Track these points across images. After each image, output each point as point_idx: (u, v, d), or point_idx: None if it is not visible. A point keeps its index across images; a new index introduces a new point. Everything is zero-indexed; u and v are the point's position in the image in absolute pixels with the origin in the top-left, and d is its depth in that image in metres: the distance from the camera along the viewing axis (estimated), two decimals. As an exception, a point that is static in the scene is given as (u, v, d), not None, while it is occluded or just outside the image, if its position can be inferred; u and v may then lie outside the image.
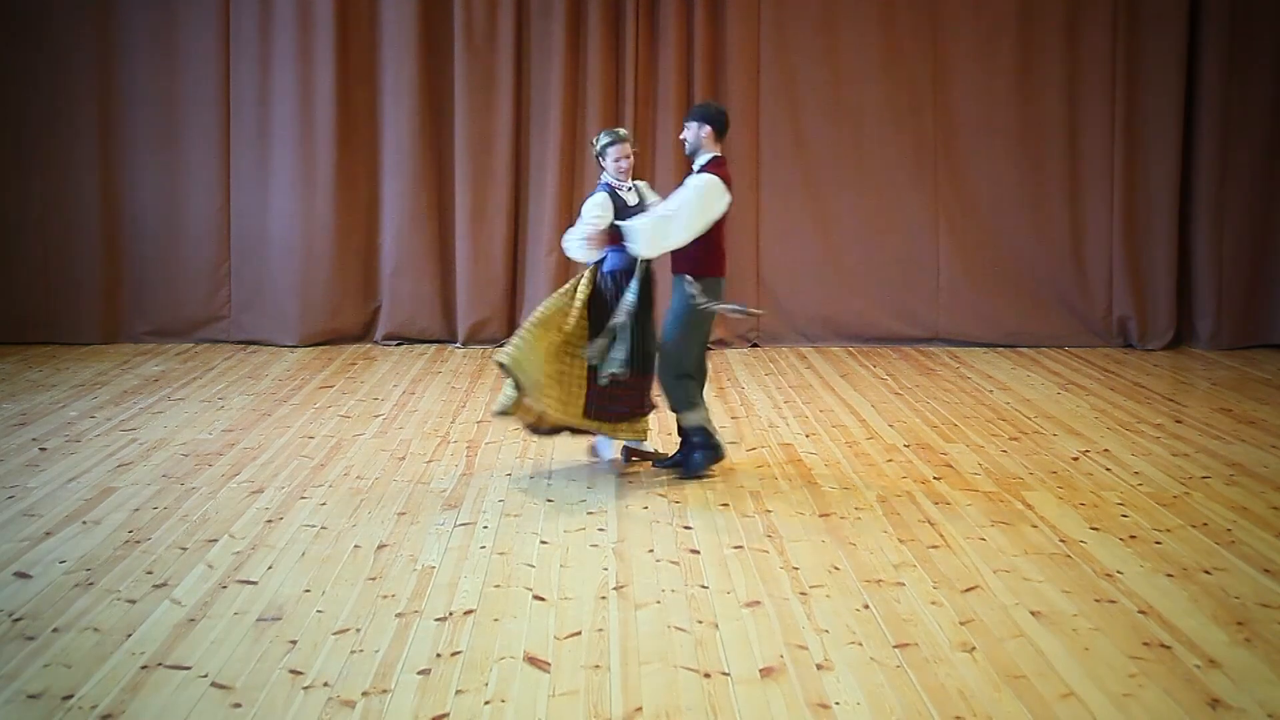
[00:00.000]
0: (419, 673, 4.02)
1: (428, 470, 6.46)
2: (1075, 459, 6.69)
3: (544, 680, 3.97)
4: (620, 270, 6.23)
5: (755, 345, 10.32)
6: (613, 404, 6.32)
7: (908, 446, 6.96)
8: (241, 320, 10.28)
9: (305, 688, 3.91)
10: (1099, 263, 10.28)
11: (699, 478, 6.27)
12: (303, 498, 5.94)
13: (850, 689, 3.90)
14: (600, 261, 6.26)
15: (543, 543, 5.30)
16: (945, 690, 3.90)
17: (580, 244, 6.18)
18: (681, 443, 6.41)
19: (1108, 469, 6.50)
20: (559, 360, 6.19)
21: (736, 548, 5.23)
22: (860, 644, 4.24)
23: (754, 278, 10.39)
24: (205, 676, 3.98)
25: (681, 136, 6.32)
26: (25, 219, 10.11)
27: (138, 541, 5.27)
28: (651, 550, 5.20)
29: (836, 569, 4.98)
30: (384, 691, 3.89)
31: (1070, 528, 5.51)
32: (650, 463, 6.54)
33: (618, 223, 6.12)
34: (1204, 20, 9.99)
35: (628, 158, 6.27)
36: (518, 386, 6.00)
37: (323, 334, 10.24)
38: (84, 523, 5.52)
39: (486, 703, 3.81)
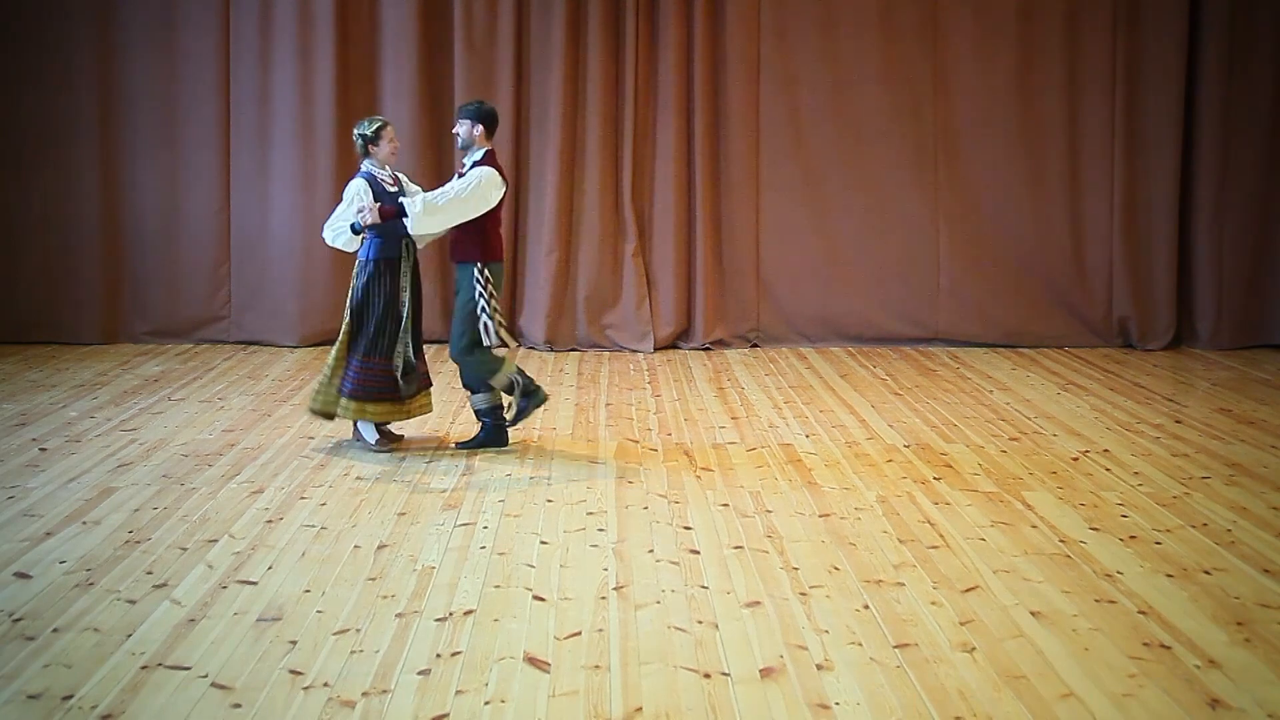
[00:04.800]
0: (419, 673, 4.02)
1: (428, 470, 6.46)
2: (1075, 459, 6.69)
3: (544, 680, 3.97)
4: (381, 258, 6.60)
5: (755, 345, 10.32)
6: (369, 384, 6.64)
7: (908, 446, 6.96)
8: (241, 320, 10.28)
9: (305, 688, 3.91)
10: (1099, 263, 10.28)
11: (481, 448, 6.80)
12: (303, 498, 5.94)
13: (850, 689, 3.90)
14: (360, 250, 6.66)
15: (543, 543, 5.30)
16: (945, 690, 3.90)
17: (342, 233, 6.61)
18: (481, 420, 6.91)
19: (1108, 469, 6.50)
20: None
21: (736, 548, 5.23)
22: (860, 644, 4.24)
23: (754, 278, 10.38)
24: (205, 676, 3.98)
25: (454, 131, 6.79)
26: (26, 219, 10.10)
27: (138, 541, 5.27)
28: (651, 550, 5.20)
29: (836, 569, 4.98)
30: (384, 691, 3.89)
31: (1070, 528, 5.51)
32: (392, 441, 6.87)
33: (402, 199, 6.53)
34: (1204, 20, 9.99)
35: (397, 141, 6.78)
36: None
37: (323, 334, 10.22)
38: (84, 523, 5.52)
39: (486, 703, 3.82)
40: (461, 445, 6.87)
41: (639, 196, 10.30)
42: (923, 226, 10.31)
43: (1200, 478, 6.34)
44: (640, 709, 3.77)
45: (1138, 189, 10.17)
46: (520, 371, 6.81)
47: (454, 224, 6.56)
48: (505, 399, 6.84)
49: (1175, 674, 4.03)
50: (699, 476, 6.34)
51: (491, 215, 6.63)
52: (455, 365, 6.98)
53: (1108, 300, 10.27)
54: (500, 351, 6.86)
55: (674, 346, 10.29)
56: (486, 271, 6.61)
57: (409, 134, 10.16)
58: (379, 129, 6.68)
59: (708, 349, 10.22)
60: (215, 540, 5.30)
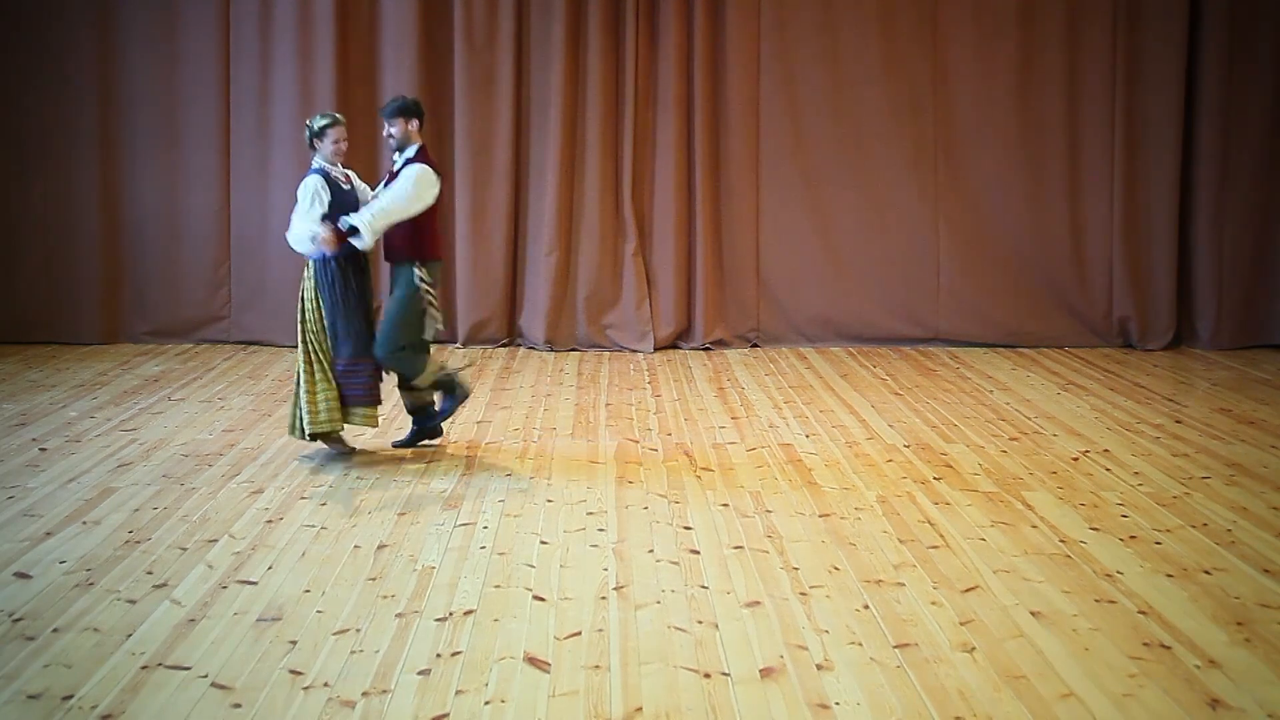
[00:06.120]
0: (419, 673, 4.02)
1: (428, 470, 6.46)
2: (1075, 459, 6.69)
3: (544, 680, 3.97)
4: (338, 255, 6.45)
5: (755, 345, 10.32)
6: (366, 385, 6.55)
7: (908, 447, 6.96)
8: (241, 320, 10.28)
9: (305, 688, 3.91)
10: (1099, 263, 10.28)
11: (415, 443, 6.83)
12: (303, 498, 5.94)
13: (850, 689, 3.90)
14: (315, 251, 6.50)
15: (543, 543, 5.30)
16: (945, 690, 3.90)
17: (310, 242, 6.46)
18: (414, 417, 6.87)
19: (1108, 469, 6.50)
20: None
21: (736, 548, 5.23)
22: (860, 644, 4.24)
23: (754, 278, 10.38)
24: (205, 676, 3.98)
25: (389, 134, 6.65)
26: (26, 219, 10.11)
27: (138, 541, 5.27)
28: (651, 550, 5.20)
29: (836, 569, 4.98)
30: (384, 691, 3.89)
31: (1070, 528, 5.51)
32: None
33: (349, 221, 6.40)
34: (1204, 19, 9.99)
35: (345, 140, 6.60)
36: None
37: (323, 334, 10.23)
38: (84, 523, 5.52)
39: (486, 703, 3.82)
40: (398, 444, 6.85)
41: (639, 196, 10.30)
42: (923, 226, 10.30)
43: (1200, 478, 6.34)
44: (640, 709, 3.77)
45: (1138, 189, 10.17)
46: (443, 368, 6.81)
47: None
48: (432, 396, 6.81)
49: (1175, 674, 4.03)
50: (699, 476, 6.34)
51: (428, 212, 6.52)
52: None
53: (1108, 300, 10.27)
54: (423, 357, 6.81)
55: (674, 346, 10.29)
56: (425, 270, 6.54)
57: (409, 134, 10.16)
58: (324, 127, 6.48)
59: (708, 349, 10.22)
60: (215, 540, 5.30)
